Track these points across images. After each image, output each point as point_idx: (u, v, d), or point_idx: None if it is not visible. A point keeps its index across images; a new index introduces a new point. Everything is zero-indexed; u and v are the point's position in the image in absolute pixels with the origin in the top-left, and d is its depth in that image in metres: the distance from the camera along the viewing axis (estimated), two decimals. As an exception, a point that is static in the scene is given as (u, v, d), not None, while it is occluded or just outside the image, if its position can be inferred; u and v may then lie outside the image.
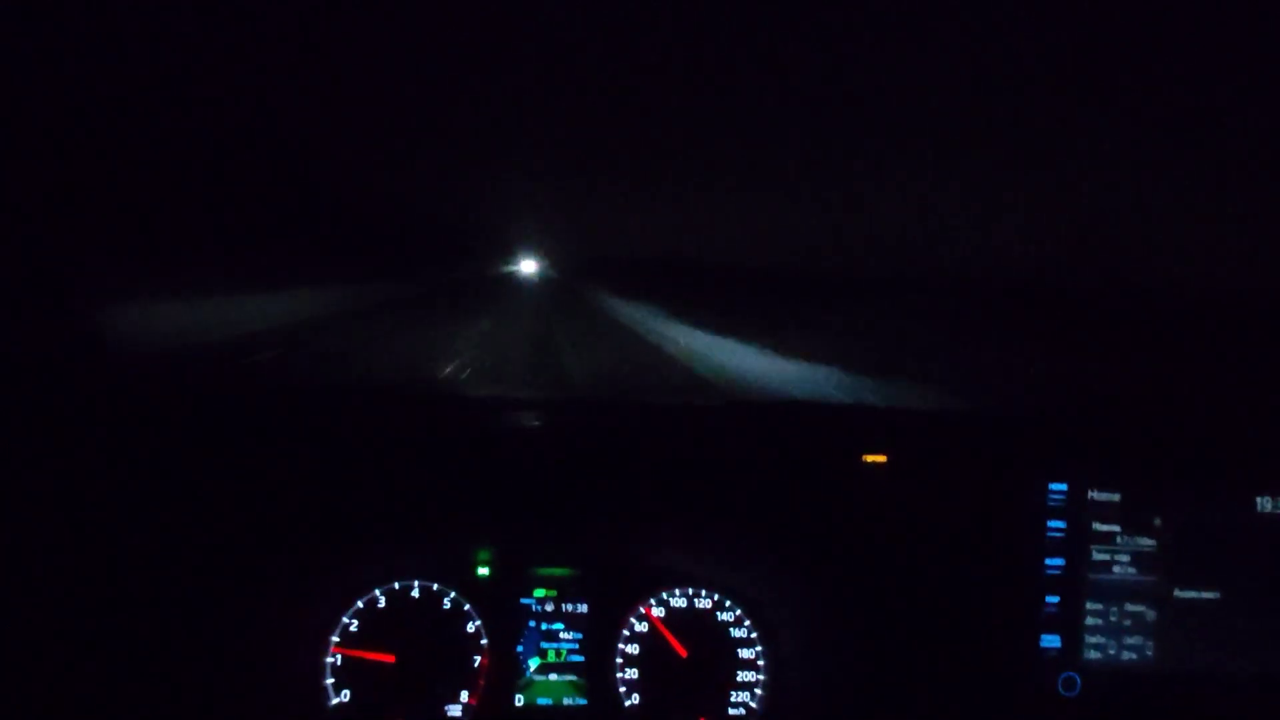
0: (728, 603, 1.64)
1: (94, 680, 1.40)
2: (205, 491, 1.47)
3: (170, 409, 1.54)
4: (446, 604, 1.57)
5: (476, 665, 1.57)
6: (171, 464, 1.48)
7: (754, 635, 1.64)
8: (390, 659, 1.54)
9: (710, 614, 1.64)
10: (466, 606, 1.58)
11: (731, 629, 1.64)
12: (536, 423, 1.66)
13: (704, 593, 1.64)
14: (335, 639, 1.54)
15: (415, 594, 1.57)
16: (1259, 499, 1.62)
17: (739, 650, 1.63)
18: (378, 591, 1.56)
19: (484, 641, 1.57)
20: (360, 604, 1.55)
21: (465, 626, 1.57)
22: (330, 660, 1.53)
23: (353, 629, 1.54)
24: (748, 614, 1.64)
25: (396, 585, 1.56)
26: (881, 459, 1.61)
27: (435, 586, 1.57)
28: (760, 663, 1.63)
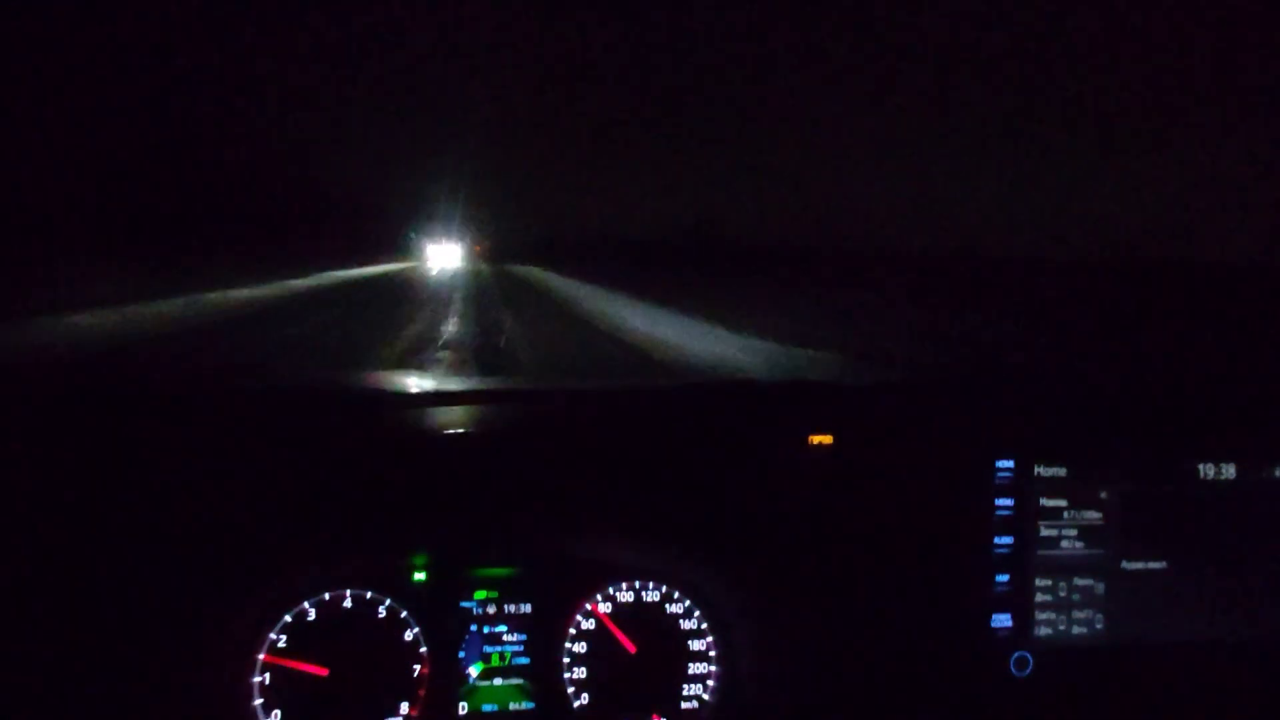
0: (676, 594, 1.60)
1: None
2: (116, 506, 1.38)
3: (80, 419, 1.44)
4: (382, 612, 1.50)
5: (416, 674, 1.50)
6: (80, 477, 1.38)
7: (704, 626, 1.59)
8: (323, 672, 1.46)
9: (658, 607, 1.59)
10: (403, 614, 1.50)
11: (681, 621, 1.59)
12: (467, 417, 1.58)
13: (651, 585, 1.59)
14: (262, 656, 1.45)
15: (348, 604, 1.49)
16: (1201, 466, 1.62)
17: (689, 642, 1.59)
18: (307, 604, 1.47)
19: (423, 649, 1.50)
20: (289, 618, 1.47)
21: (403, 635, 1.50)
22: (258, 679, 1.45)
23: (281, 645, 1.46)
24: (697, 605, 1.60)
25: (327, 596, 1.48)
26: (828, 439, 1.58)
27: (369, 595, 1.50)
28: (711, 654, 1.59)
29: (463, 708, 1.51)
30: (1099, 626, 1.59)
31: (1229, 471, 1.63)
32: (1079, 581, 1.58)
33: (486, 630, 1.53)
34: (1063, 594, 1.58)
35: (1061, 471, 1.57)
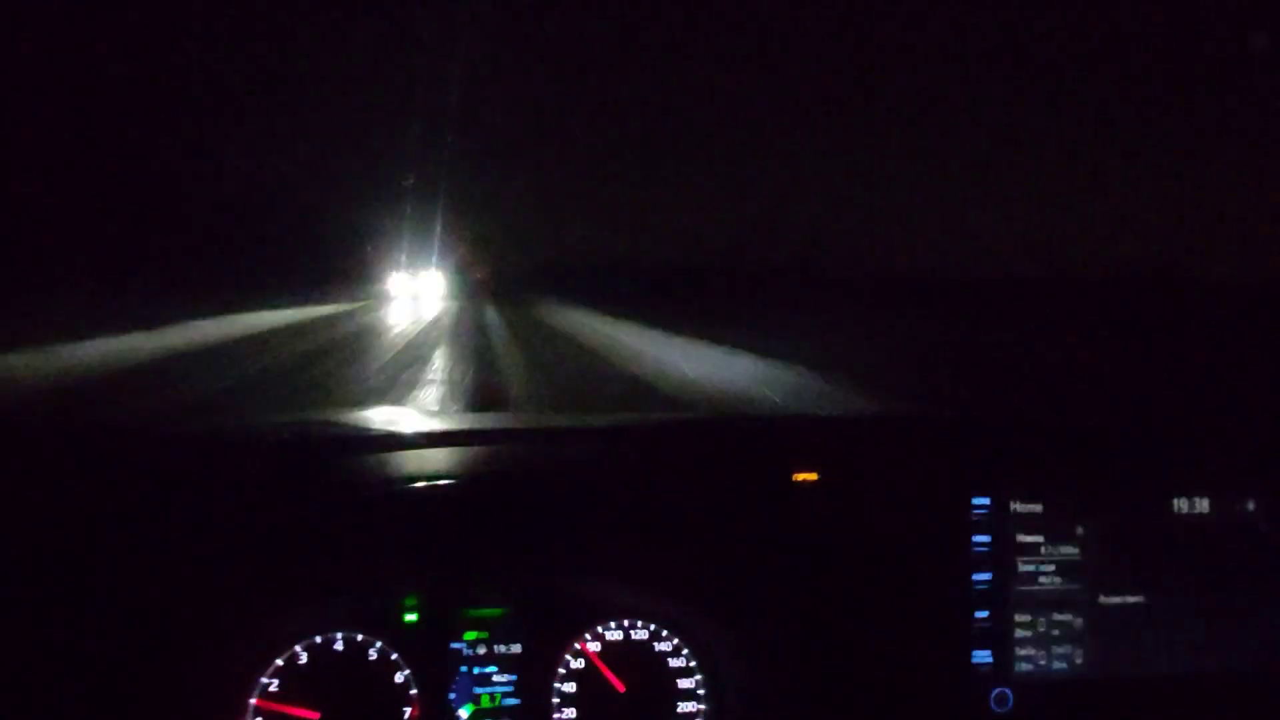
0: (664, 633, 1.62)
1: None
2: (105, 550, 1.40)
3: (65, 459, 1.46)
4: (372, 655, 1.52)
5: (406, 717, 1.52)
6: (68, 520, 1.40)
7: (692, 664, 1.61)
8: (314, 716, 1.48)
9: (647, 645, 1.61)
10: (394, 656, 1.52)
11: (669, 659, 1.61)
12: (455, 457, 1.61)
13: (640, 624, 1.61)
14: (254, 701, 1.47)
15: (339, 646, 1.51)
16: (1176, 501, 1.65)
17: (678, 680, 1.61)
18: (298, 647, 1.49)
19: (413, 691, 1.52)
20: (280, 661, 1.49)
21: (393, 677, 1.52)
22: None
23: (272, 689, 1.48)
24: (685, 643, 1.62)
25: (318, 639, 1.50)
26: (812, 477, 1.60)
27: (360, 637, 1.52)
28: (700, 692, 1.61)
29: None
30: (1079, 662, 1.61)
31: (1203, 505, 1.66)
32: (1058, 617, 1.61)
33: (476, 671, 1.55)
34: (1042, 629, 1.60)
35: (1037, 508, 1.60)
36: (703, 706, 1.60)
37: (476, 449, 1.73)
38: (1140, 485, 1.64)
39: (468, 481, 1.57)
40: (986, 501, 1.59)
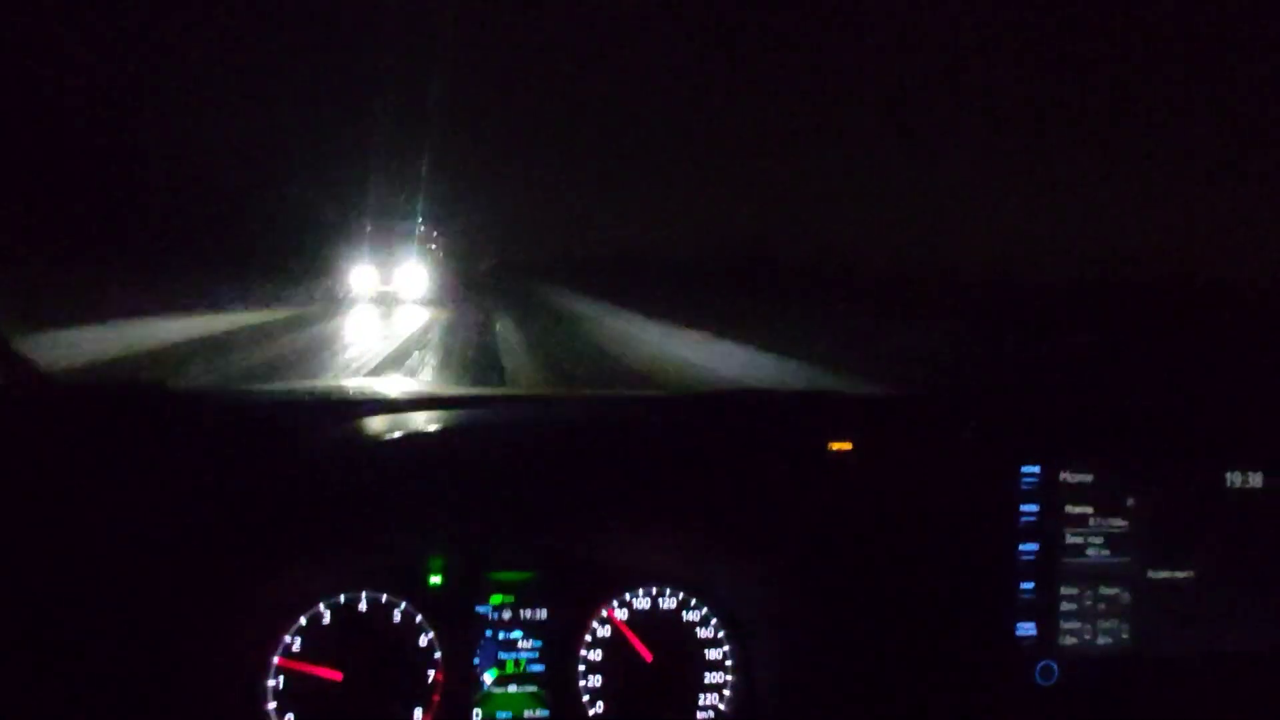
0: (693, 601, 1.58)
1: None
2: (131, 507, 1.37)
3: (92, 422, 1.44)
4: (397, 616, 1.48)
5: (430, 680, 1.48)
6: (94, 479, 1.37)
7: (721, 635, 1.57)
8: (337, 676, 1.44)
9: (675, 614, 1.57)
10: (418, 618, 1.48)
11: (698, 629, 1.57)
12: (484, 420, 1.57)
13: (668, 592, 1.57)
14: (276, 659, 1.44)
15: (363, 607, 1.47)
16: (1228, 475, 1.60)
17: (706, 651, 1.57)
18: (322, 606, 1.46)
19: (438, 655, 1.49)
20: (303, 620, 1.45)
21: (417, 640, 1.48)
22: (272, 683, 1.43)
23: (295, 648, 1.44)
24: (714, 613, 1.58)
25: (342, 598, 1.47)
26: (848, 446, 1.56)
27: (384, 598, 1.48)
28: (728, 663, 1.57)
29: (477, 714, 1.49)
30: (1125, 636, 1.56)
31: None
32: (1105, 590, 1.56)
33: (501, 636, 1.51)
34: (1088, 603, 1.55)
35: (1088, 478, 1.55)
36: (731, 678, 1.56)
37: (508, 412, 1.69)
38: (1193, 458, 1.59)
39: (498, 443, 1.54)
40: (1036, 470, 1.54)
